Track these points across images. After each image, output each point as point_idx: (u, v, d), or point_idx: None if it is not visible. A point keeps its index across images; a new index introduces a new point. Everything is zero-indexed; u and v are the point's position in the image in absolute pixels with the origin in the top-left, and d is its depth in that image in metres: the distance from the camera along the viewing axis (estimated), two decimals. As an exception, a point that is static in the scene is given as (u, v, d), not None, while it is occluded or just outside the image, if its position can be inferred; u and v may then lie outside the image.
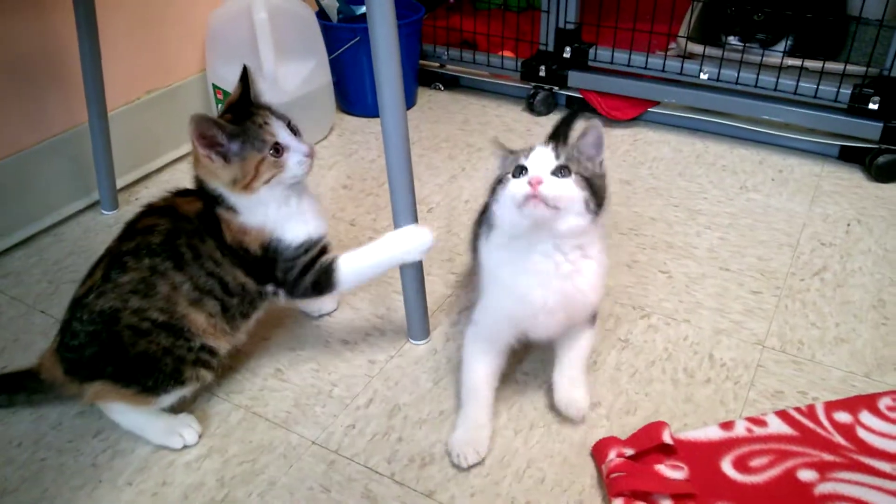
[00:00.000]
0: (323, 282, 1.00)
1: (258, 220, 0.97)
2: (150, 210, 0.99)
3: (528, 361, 1.09)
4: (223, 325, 0.98)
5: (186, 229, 0.95)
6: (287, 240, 0.97)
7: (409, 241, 1.02)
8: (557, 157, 0.88)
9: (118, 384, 0.94)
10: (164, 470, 0.94)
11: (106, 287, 0.92)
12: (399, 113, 0.98)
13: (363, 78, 1.82)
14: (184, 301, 0.93)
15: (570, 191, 0.85)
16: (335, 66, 1.76)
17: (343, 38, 1.76)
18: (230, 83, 1.63)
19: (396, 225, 1.05)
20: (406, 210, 1.05)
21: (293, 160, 0.95)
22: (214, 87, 1.66)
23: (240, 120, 0.95)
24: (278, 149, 0.94)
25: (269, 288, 1.01)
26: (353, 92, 1.85)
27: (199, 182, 0.98)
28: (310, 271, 0.99)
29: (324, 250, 1.01)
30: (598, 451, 0.93)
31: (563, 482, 0.91)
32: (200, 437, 0.98)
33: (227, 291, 0.97)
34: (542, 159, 0.88)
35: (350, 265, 1.00)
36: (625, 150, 1.68)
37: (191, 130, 0.91)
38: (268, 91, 1.59)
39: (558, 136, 1.31)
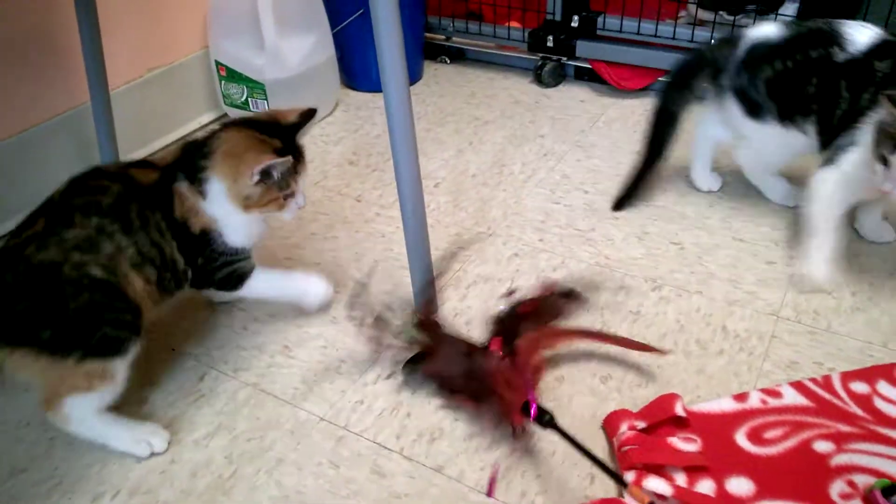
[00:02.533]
0: (231, 283, 1.04)
1: (215, 212, 0.97)
2: (101, 172, 0.96)
3: (537, 335, 1.08)
4: (155, 295, 0.95)
5: (138, 197, 0.93)
6: (226, 239, 0.99)
7: (310, 289, 1.11)
8: None
9: (55, 355, 0.85)
10: (172, 448, 0.94)
11: (49, 240, 0.86)
12: (402, 87, 0.95)
13: (367, 52, 1.79)
14: (126, 263, 0.90)
15: None
16: (339, 40, 1.73)
17: (346, 11, 1.73)
18: (233, 59, 1.61)
19: (402, 201, 1.03)
20: (411, 186, 1.03)
21: (292, 208, 1.01)
22: (217, 63, 1.64)
23: (284, 152, 0.96)
24: (290, 195, 0.99)
25: (189, 272, 1.00)
26: (357, 66, 1.82)
27: (186, 158, 0.98)
28: (224, 269, 1.02)
29: (246, 257, 1.04)
30: (610, 425, 0.92)
31: (574, 456, 0.89)
32: (170, 443, 0.94)
33: (164, 264, 0.95)
34: None
35: (258, 282, 1.05)
36: (635, 120, 1.65)
37: (271, 163, 0.94)
38: (270, 67, 1.57)
39: None
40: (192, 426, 0.97)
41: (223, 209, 0.97)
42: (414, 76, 1.87)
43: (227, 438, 0.95)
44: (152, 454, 0.93)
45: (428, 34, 1.94)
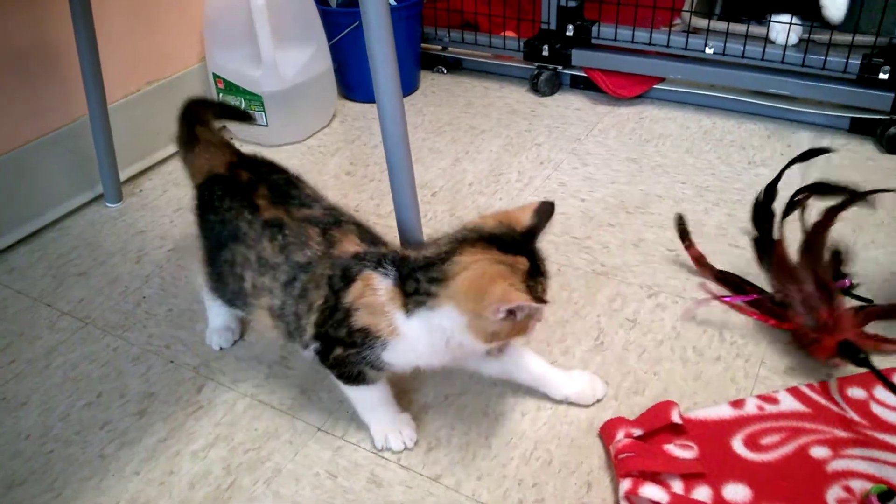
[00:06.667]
0: (344, 377, 0.90)
1: (411, 332, 0.82)
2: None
3: (532, 343, 1.08)
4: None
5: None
6: (386, 355, 0.86)
7: (390, 433, 0.94)
8: None
9: None
10: (170, 459, 0.94)
11: None
12: (395, 97, 0.97)
13: (364, 63, 1.79)
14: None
15: None
16: (336, 51, 1.74)
17: (342, 22, 1.74)
18: (230, 71, 1.62)
19: (397, 211, 1.04)
20: (407, 195, 1.04)
21: (534, 327, 0.84)
22: (215, 76, 1.65)
23: (533, 272, 0.81)
24: (535, 317, 0.83)
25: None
26: (354, 78, 1.83)
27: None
28: (351, 367, 0.89)
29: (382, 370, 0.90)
30: (606, 432, 0.92)
31: (570, 463, 0.90)
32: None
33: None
34: None
35: (363, 393, 0.92)
36: (631, 127, 1.66)
37: (523, 304, 0.77)
38: (267, 79, 1.58)
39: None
40: (190, 437, 0.97)
41: (429, 333, 0.81)
42: (410, 86, 1.89)
43: (225, 449, 0.95)
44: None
45: (424, 45, 1.95)
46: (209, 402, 1.02)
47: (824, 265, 1.06)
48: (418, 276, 0.81)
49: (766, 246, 1.13)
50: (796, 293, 1.03)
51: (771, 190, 1.17)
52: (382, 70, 0.95)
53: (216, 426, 0.98)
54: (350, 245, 0.88)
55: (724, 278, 1.17)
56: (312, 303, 0.86)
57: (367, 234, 0.92)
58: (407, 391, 1.01)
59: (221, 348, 1.10)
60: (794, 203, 1.12)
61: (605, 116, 1.72)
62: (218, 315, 1.09)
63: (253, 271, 0.92)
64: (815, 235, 1.07)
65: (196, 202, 1.00)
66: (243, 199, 0.94)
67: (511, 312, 0.77)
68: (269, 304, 0.91)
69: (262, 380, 1.05)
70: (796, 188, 1.12)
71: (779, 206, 1.14)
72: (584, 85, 1.82)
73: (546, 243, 1.28)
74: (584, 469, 0.89)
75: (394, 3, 1.82)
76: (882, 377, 0.91)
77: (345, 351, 0.85)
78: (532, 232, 0.83)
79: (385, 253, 0.86)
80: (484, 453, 0.92)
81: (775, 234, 1.11)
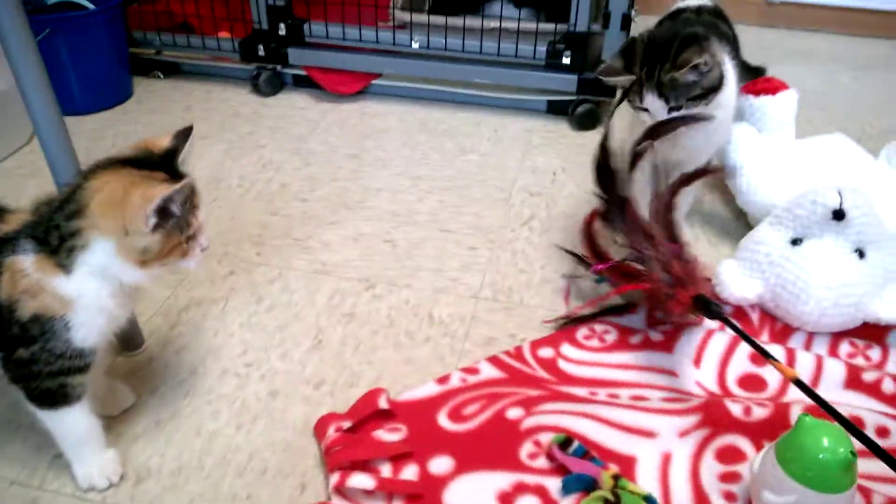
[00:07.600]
0: (48, 401, 0.83)
1: (80, 288, 0.78)
2: None
3: (251, 352, 1.07)
4: None
5: None
6: (72, 334, 0.79)
7: (93, 467, 0.88)
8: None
9: None
10: None
11: None
12: (49, 106, 0.95)
13: (64, 73, 1.66)
14: None
15: None
16: (25, 62, 1.58)
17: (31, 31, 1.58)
18: None
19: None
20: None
21: (196, 252, 0.82)
22: None
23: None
24: (192, 237, 0.81)
25: None
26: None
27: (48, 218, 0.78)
28: (54, 380, 0.81)
29: (86, 367, 0.83)
30: (319, 430, 0.94)
31: (285, 468, 0.91)
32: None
33: None
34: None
35: (67, 418, 0.84)
36: (353, 123, 1.70)
37: (169, 193, 0.74)
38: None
39: None
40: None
41: (98, 281, 0.78)
42: (122, 94, 1.77)
43: None
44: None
45: (135, 49, 1.84)
46: None
47: (675, 222, 1.12)
48: (58, 222, 0.76)
49: (616, 206, 1.14)
50: (651, 251, 1.06)
51: (605, 149, 1.16)
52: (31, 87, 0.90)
53: None
54: None
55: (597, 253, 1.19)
56: None
57: None
58: (114, 424, 0.96)
59: None
60: (638, 154, 1.14)
61: (328, 114, 1.74)
62: None
63: None
64: (669, 195, 1.13)
65: None
66: None
67: (161, 215, 0.75)
68: None
69: (-58, 441, 0.94)
70: (635, 139, 1.14)
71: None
72: (308, 83, 1.83)
73: (268, 247, 1.28)
74: (299, 471, 0.91)
75: (91, 6, 1.70)
76: (732, 325, 0.98)
77: (28, 350, 0.78)
78: (172, 152, 0.82)
79: (13, 231, 0.78)
80: (196, 475, 0.90)
81: (624, 192, 1.12)
